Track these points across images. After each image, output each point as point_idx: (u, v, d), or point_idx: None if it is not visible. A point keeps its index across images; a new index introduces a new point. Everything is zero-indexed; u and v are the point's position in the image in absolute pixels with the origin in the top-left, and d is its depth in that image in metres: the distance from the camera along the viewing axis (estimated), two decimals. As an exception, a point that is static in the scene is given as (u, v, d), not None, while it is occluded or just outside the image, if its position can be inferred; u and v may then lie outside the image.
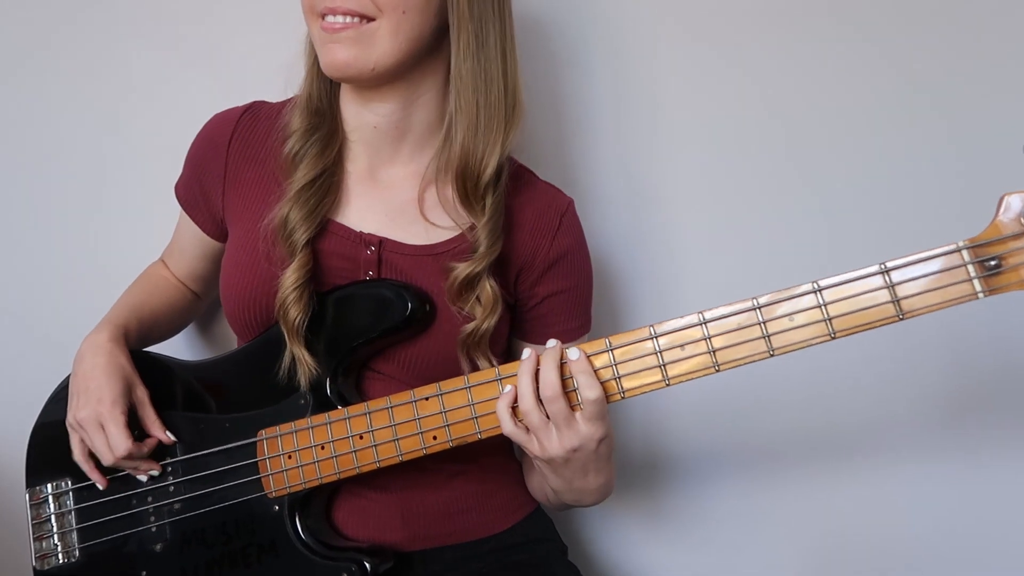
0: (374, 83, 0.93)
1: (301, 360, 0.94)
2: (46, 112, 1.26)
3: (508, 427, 0.85)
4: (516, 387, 0.85)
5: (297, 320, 0.93)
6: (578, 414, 0.84)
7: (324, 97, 0.98)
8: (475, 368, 0.95)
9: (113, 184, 1.27)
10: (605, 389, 0.84)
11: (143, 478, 0.98)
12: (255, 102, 1.04)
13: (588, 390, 0.83)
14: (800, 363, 1.15)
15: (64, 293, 1.27)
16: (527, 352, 0.86)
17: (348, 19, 0.88)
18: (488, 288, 0.94)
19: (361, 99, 0.96)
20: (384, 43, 0.89)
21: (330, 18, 0.88)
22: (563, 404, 0.83)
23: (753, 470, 1.26)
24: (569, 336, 1.03)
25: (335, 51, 0.89)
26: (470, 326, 0.94)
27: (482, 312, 0.94)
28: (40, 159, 1.27)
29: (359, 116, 0.97)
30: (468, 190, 0.95)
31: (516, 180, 1.02)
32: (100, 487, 0.99)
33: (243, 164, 1.01)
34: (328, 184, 0.96)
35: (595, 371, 0.84)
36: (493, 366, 0.92)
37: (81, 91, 1.25)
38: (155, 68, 1.25)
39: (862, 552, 1.26)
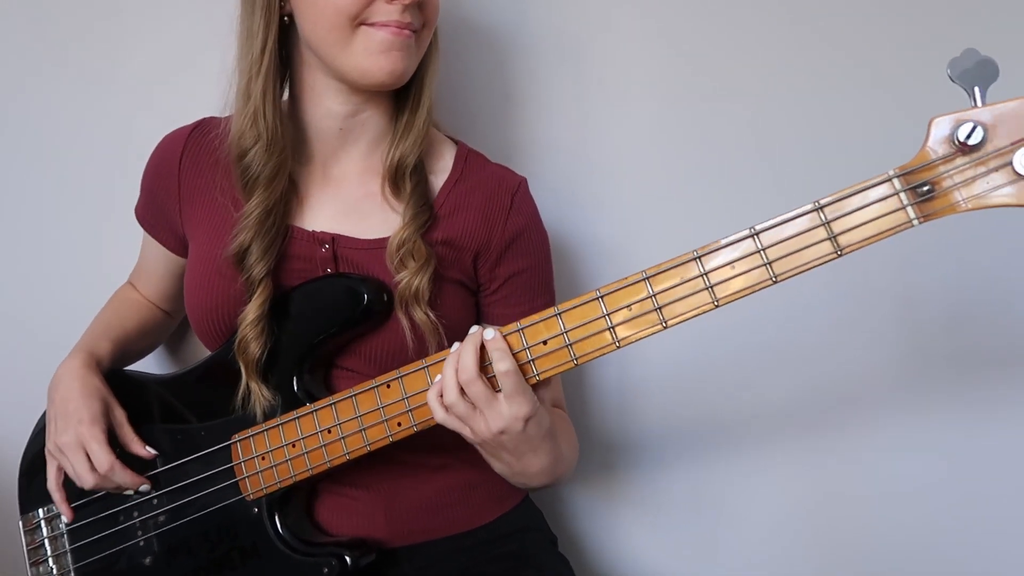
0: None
1: (257, 395, 0.95)
2: (47, 117, 1.29)
3: (440, 415, 0.86)
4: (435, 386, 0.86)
5: (256, 355, 0.94)
6: (500, 394, 0.83)
7: (271, 110, 0.95)
8: (415, 328, 0.94)
9: (95, 198, 1.29)
10: (523, 371, 0.84)
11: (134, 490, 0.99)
12: (204, 119, 1.05)
13: (500, 363, 0.82)
14: (769, 339, 1.18)
15: (55, 318, 1.29)
16: (455, 346, 0.86)
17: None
18: (421, 246, 0.95)
19: (349, 103, 0.97)
20: (419, 52, 0.95)
21: (394, 28, 0.89)
22: (481, 386, 0.82)
23: (733, 452, 1.25)
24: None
25: (398, 60, 0.91)
26: (403, 278, 0.94)
27: (414, 265, 0.94)
28: (43, 163, 1.30)
29: (331, 119, 0.98)
30: (397, 181, 0.98)
31: (466, 165, 1.03)
32: (66, 519, 1.01)
33: (196, 179, 1.02)
34: (283, 211, 0.97)
35: (508, 347, 0.84)
36: (431, 320, 0.94)
37: (80, 97, 1.28)
38: (152, 75, 1.27)
39: (843, 524, 1.24)
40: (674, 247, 1.18)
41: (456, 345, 0.85)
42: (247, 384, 0.95)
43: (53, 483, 1.00)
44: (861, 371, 1.21)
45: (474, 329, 0.85)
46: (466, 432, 0.86)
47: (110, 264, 1.23)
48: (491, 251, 1.01)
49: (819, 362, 1.21)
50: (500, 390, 0.83)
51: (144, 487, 0.99)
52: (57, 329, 1.12)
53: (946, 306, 1.17)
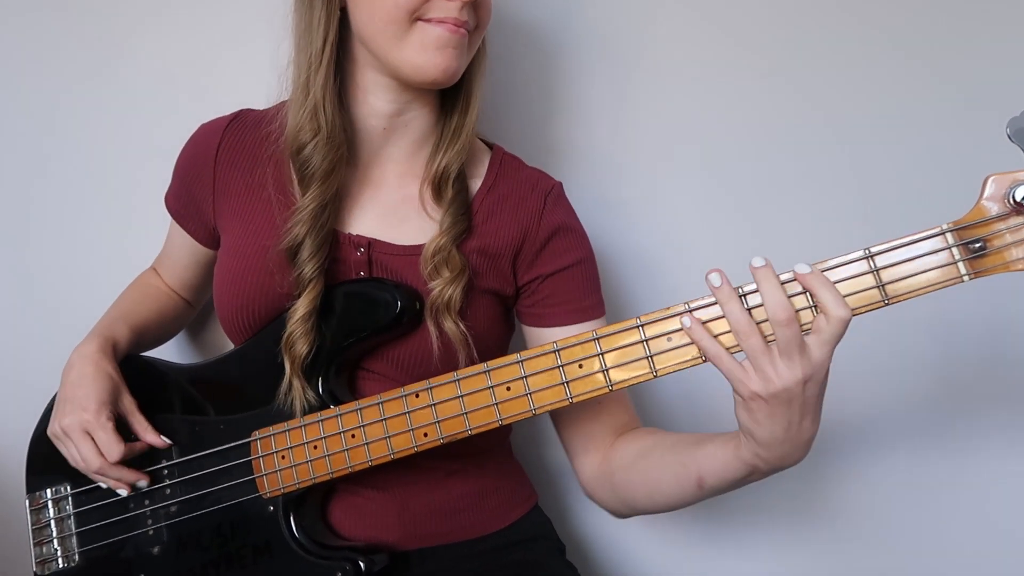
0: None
1: (299, 393, 0.94)
2: (49, 115, 1.28)
3: (715, 351, 0.76)
4: (694, 320, 0.78)
5: (303, 353, 0.93)
6: (811, 338, 0.74)
7: (331, 104, 0.93)
8: (443, 336, 0.94)
9: (114, 186, 1.28)
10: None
11: (123, 492, 0.98)
12: (241, 110, 1.04)
13: (838, 308, 0.73)
14: None
15: (65, 300, 1.29)
16: (717, 277, 0.77)
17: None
18: (456, 256, 0.94)
19: (396, 102, 0.96)
20: (471, 53, 0.94)
21: (451, 25, 0.89)
22: (797, 328, 0.73)
23: None
24: (587, 314, 1.00)
25: (452, 57, 0.90)
26: (436, 287, 0.93)
27: (448, 274, 0.94)
28: (43, 161, 1.29)
29: (376, 118, 0.97)
30: (440, 187, 0.98)
31: (501, 169, 1.03)
32: (123, 494, 0.99)
33: (232, 172, 1.01)
34: (335, 209, 0.96)
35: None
36: (460, 330, 0.93)
37: (81, 94, 1.27)
38: (154, 71, 1.26)
39: (857, 543, 1.25)
40: (713, 255, 1.18)
41: (717, 276, 0.76)
42: (290, 380, 0.94)
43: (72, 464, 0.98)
44: (890, 403, 1.22)
45: (759, 261, 0.75)
46: (749, 380, 0.76)
47: (120, 260, 1.22)
48: (528, 252, 1.00)
49: (848, 389, 1.20)
50: (808, 333, 0.74)
51: (141, 483, 0.98)
52: (55, 337, 1.11)
53: (982, 342, 1.18)
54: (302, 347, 0.93)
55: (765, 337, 0.75)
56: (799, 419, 0.76)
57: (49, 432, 0.98)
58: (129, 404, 0.99)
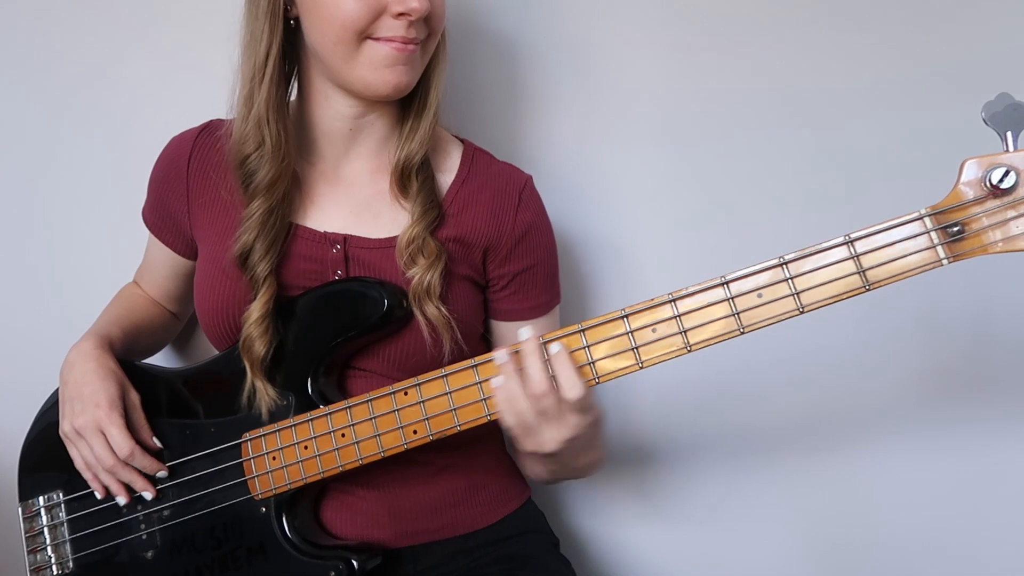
0: None
1: (263, 393, 0.95)
2: (47, 116, 1.28)
3: (510, 420, 0.86)
4: (510, 361, 0.85)
5: (261, 354, 0.94)
6: (564, 405, 0.84)
7: (275, 116, 0.94)
8: (430, 324, 0.95)
9: (111, 187, 1.28)
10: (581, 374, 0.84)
11: (122, 500, 0.98)
12: (211, 121, 1.05)
13: (570, 389, 0.82)
14: (781, 346, 1.18)
15: (58, 309, 1.29)
16: (502, 355, 0.85)
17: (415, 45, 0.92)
18: (430, 243, 0.96)
19: (357, 107, 0.97)
20: (424, 61, 0.95)
21: (399, 44, 0.90)
22: (553, 399, 0.83)
23: (740, 458, 1.26)
24: (542, 310, 1.05)
25: (402, 73, 0.92)
26: (415, 274, 0.95)
27: (424, 261, 0.95)
28: (41, 161, 1.29)
29: (340, 120, 0.98)
30: (404, 180, 0.99)
31: (473, 163, 1.04)
32: (99, 496, 0.99)
33: (204, 181, 1.02)
34: (285, 210, 0.97)
35: (576, 365, 0.84)
36: (443, 314, 0.95)
37: (79, 95, 1.28)
38: (151, 73, 1.27)
39: (850, 535, 1.26)
40: (687, 247, 1.18)
41: (501, 354, 0.85)
42: (252, 382, 0.95)
43: (82, 464, 0.98)
44: (878, 392, 1.23)
45: (525, 333, 0.85)
46: (528, 441, 0.86)
47: (114, 262, 1.22)
48: (501, 248, 1.01)
49: (835, 379, 1.22)
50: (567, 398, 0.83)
51: (162, 473, 0.98)
52: (47, 344, 1.11)
53: (969, 328, 1.19)
54: (260, 348, 0.94)
55: (538, 403, 0.83)
56: (573, 459, 0.91)
57: (61, 432, 0.98)
58: (134, 399, 0.99)
